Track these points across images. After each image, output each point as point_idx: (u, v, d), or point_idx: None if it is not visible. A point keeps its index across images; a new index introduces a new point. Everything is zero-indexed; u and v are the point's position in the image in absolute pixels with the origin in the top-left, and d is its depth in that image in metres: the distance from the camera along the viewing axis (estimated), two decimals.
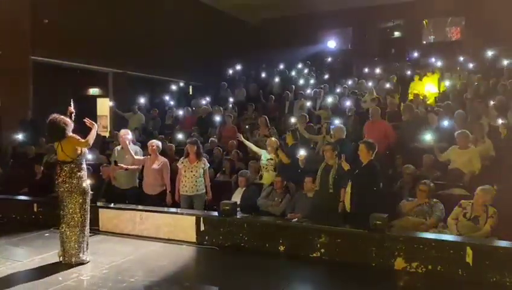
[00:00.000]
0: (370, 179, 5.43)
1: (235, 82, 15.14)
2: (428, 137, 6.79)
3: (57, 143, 5.08)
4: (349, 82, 13.38)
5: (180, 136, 9.72)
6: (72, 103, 5.30)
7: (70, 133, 5.03)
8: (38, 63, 11.90)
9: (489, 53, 13.64)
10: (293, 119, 9.28)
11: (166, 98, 14.40)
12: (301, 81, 14.34)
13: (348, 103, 10.65)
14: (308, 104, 11.49)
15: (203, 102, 13.09)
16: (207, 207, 6.69)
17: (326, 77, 14.92)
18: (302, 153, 6.60)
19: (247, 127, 9.88)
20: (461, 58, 14.01)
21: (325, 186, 5.69)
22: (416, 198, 5.66)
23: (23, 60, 11.50)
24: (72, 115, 5.20)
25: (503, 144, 6.88)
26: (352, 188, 5.59)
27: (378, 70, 14.17)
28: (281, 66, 16.18)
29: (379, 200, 5.38)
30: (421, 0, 16.85)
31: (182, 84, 16.08)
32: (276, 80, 14.47)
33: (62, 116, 5.05)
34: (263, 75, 15.92)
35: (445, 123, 7.64)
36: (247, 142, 7.86)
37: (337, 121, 8.34)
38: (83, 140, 5.03)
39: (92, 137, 5.11)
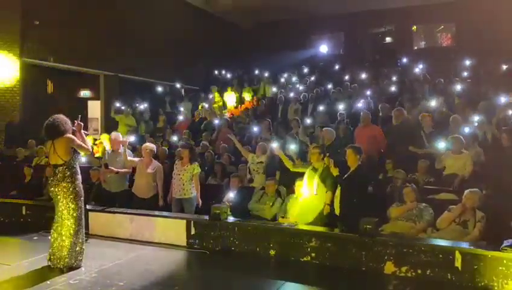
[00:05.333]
0: (359, 184, 5.44)
1: (227, 85, 15.15)
2: (442, 144, 6.77)
3: (50, 143, 4.98)
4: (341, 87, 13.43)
5: (175, 138, 9.58)
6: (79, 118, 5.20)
7: (67, 134, 4.95)
8: (28, 65, 11.80)
9: (480, 59, 13.79)
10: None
11: (158, 101, 14.34)
12: (293, 86, 14.38)
13: (340, 106, 10.69)
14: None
15: (196, 105, 13.08)
16: (199, 211, 6.65)
17: (318, 81, 14.96)
18: (292, 147, 6.59)
19: (255, 129, 9.65)
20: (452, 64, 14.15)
21: (311, 189, 5.69)
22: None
23: (13, 61, 11.39)
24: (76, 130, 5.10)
25: (489, 148, 6.96)
26: (341, 193, 5.60)
27: (370, 76, 14.23)
28: (273, 70, 16.21)
29: (368, 204, 5.39)
30: (412, 6, 17.02)
31: (174, 86, 16.05)
32: (268, 84, 14.50)
33: (65, 118, 4.99)
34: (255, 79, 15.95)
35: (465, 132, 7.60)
36: (237, 144, 7.87)
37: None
38: (79, 142, 4.95)
39: (87, 143, 5.07)
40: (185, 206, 6.61)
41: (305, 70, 16.67)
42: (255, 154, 7.44)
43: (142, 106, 13.21)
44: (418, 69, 14.06)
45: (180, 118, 12.03)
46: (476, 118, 8.07)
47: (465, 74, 12.93)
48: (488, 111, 8.47)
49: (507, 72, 12.06)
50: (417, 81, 12.55)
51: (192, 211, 6.60)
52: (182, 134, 10.33)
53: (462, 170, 6.33)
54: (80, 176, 5.05)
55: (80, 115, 5.25)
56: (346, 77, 14.50)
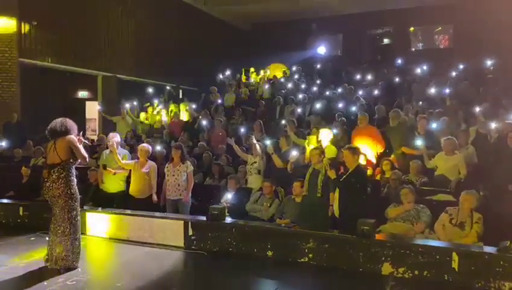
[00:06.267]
0: (358, 185, 5.43)
1: (225, 87, 15.18)
2: (419, 142, 6.83)
3: (51, 143, 4.99)
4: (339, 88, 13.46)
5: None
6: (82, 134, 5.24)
7: (70, 135, 4.97)
8: (26, 65, 11.78)
9: (477, 61, 13.84)
10: (283, 121, 9.36)
11: (155, 101, 14.34)
12: (291, 87, 14.40)
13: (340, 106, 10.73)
14: (299, 110, 11.56)
15: (192, 106, 13.07)
16: (195, 212, 6.65)
17: (316, 82, 14.99)
18: (294, 153, 6.61)
19: (242, 130, 9.78)
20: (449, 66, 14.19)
21: (313, 191, 5.70)
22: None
23: (10, 62, 11.37)
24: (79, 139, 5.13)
25: (491, 148, 6.95)
26: (340, 194, 5.61)
27: (368, 77, 14.28)
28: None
29: (368, 205, 5.39)
30: (410, 8, 17.08)
31: (170, 87, 16.05)
32: (267, 85, 14.52)
33: (73, 123, 5.04)
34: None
35: (433, 128, 7.70)
36: (236, 147, 7.88)
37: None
38: (80, 146, 4.95)
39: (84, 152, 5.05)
40: (180, 207, 6.60)
41: (303, 71, 16.67)
42: (252, 155, 7.45)
43: (139, 107, 13.21)
44: (416, 70, 14.11)
45: (164, 119, 12.05)
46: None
47: (463, 75, 12.96)
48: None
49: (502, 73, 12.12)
50: (415, 82, 12.59)
51: (187, 211, 6.59)
52: (177, 135, 10.34)
53: (454, 171, 6.34)
54: (74, 178, 5.04)
55: (81, 132, 5.27)
56: (344, 78, 14.52)
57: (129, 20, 14.32)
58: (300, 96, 12.43)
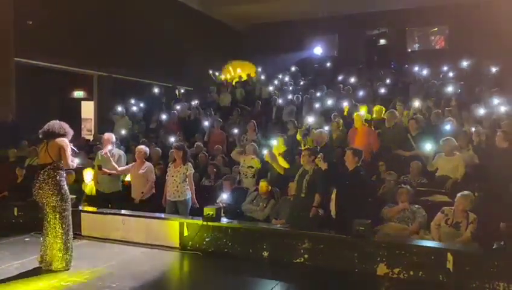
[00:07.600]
0: (357, 186, 5.42)
1: (222, 87, 15.16)
2: (429, 147, 6.75)
3: (44, 143, 4.99)
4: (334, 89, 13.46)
5: (172, 139, 9.41)
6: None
7: (63, 139, 4.96)
8: (21, 65, 11.72)
9: (472, 62, 13.90)
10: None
11: (152, 101, 14.30)
12: (288, 87, 14.40)
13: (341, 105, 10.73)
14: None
15: (190, 106, 13.06)
16: (193, 212, 6.62)
17: (313, 83, 14.99)
18: (265, 152, 6.59)
19: (236, 131, 9.83)
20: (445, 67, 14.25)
21: (300, 192, 5.69)
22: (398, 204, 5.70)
23: (6, 61, 11.31)
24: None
25: (478, 151, 6.98)
26: (337, 195, 5.60)
27: (364, 78, 14.29)
28: (269, 72, 16.23)
29: (366, 206, 5.38)
30: (406, 9, 17.11)
31: (169, 87, 16.01)
32: (263, 85, 14.51)
33: (70, 129, 5.06)
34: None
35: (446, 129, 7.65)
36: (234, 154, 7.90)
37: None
38: (69, 153, 4.93)
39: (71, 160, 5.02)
40: (179, 208, 6.56)
41: (300, 72, 16.67)
42: (246, 156, 7.43)
43: (135, 107, 13.17)
44: (412, 71, 14.14)
45: (164, 116, 12.04)
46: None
47: (458, 75, 13.01)
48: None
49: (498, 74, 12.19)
50: (411, 83, 12.63)
51: (186, 213, 6.55)
52: (173, 134, 10.32)
53: (454, 171, 6.36)
54: (64, 179, 5.03)
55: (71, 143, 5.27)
56: (340, 79, 14.53)
57: (125, 19, 14.25)
58: (296, 96, 12.41)
